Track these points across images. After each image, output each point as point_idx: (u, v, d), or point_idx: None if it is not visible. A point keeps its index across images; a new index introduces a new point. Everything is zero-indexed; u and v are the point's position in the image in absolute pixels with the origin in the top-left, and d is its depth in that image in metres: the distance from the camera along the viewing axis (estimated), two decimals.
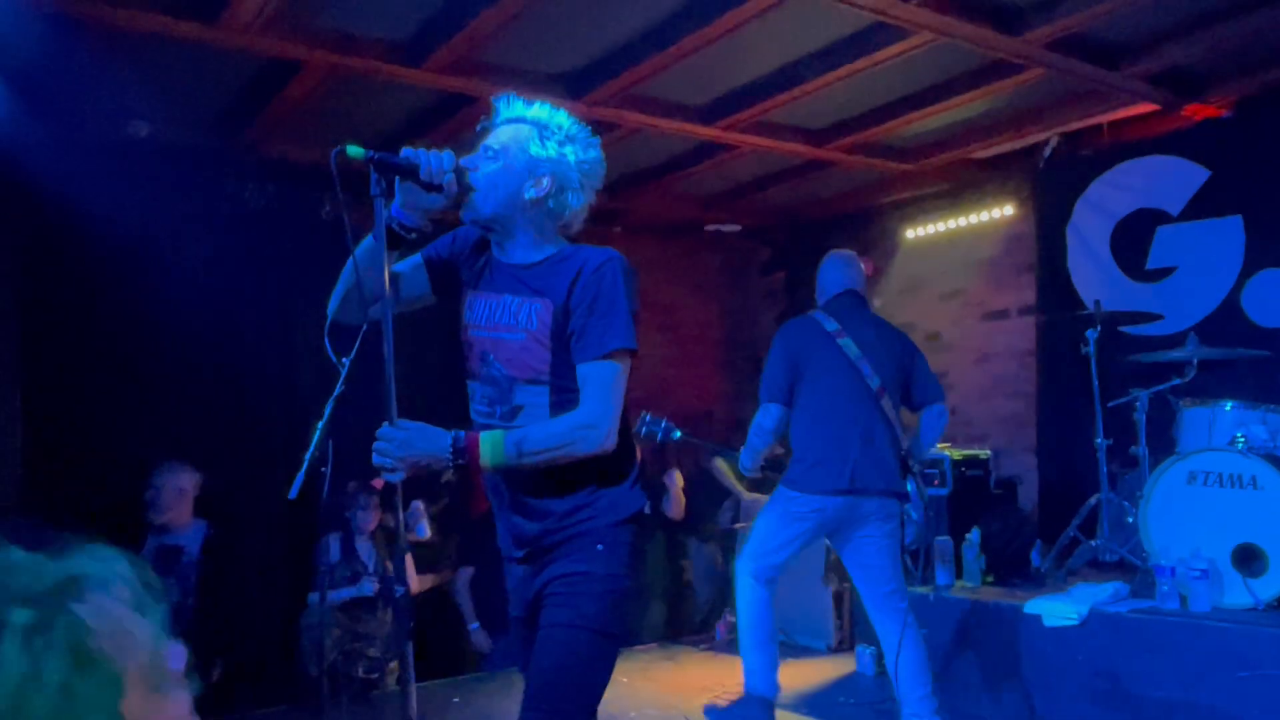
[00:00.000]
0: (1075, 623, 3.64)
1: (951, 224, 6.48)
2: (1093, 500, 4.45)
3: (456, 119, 4.82)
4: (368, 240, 2.12)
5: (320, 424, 2.48)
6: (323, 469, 2.46)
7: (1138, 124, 5.39)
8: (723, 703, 3.89)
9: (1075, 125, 5.45)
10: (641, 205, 6.56)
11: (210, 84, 4.60)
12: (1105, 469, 4.44)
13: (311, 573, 4.77)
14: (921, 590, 4.26)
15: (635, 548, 2.15)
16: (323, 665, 3.86)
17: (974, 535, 4.35)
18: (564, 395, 2.11)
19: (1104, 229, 5.57)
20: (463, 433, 2.07)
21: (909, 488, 3.73)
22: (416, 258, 2.33)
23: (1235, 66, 4.75)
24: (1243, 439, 3.76)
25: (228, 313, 5.13)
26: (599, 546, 2.09)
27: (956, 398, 6.55)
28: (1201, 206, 5.14)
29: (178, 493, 4.66)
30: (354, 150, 1.98)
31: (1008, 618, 3.88)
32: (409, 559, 5.02)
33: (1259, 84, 4.85)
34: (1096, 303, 4.65)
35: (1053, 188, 5.84)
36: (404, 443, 2.03)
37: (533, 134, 2.17)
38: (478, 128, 2.27)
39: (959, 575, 4.32)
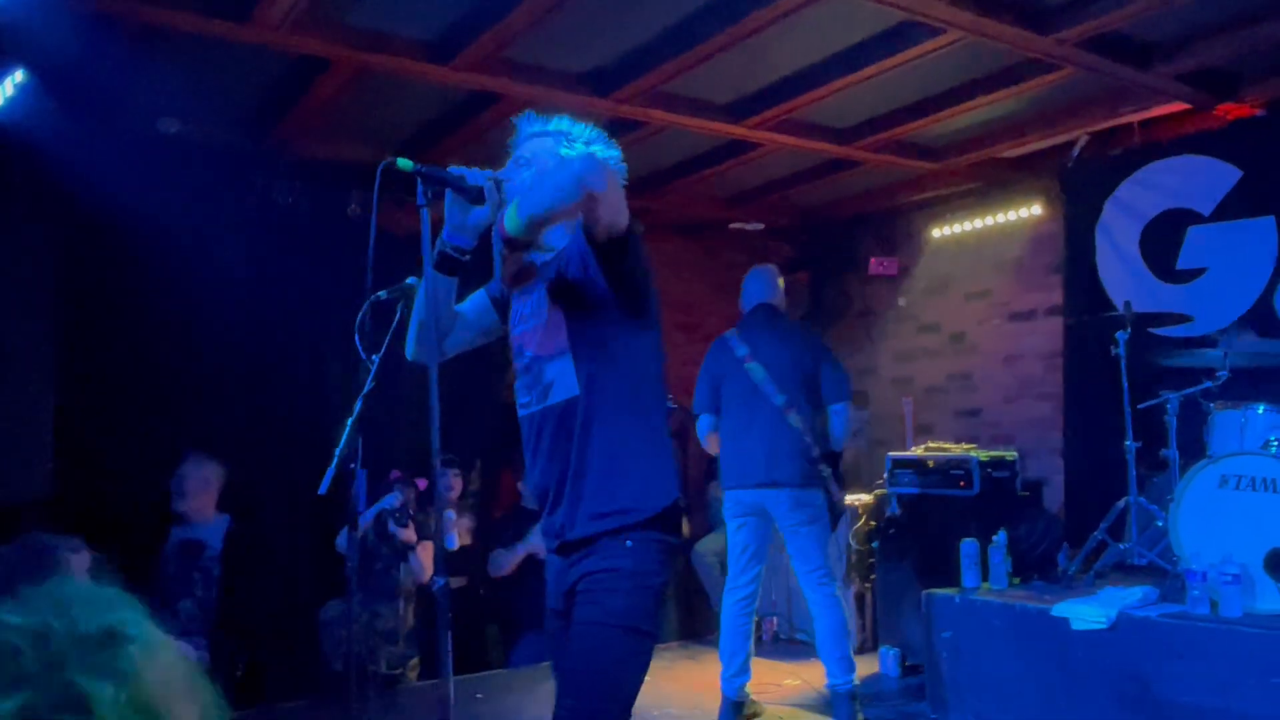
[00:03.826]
0: (1104, 626, 3.60)
1: (978, 223, 6.43)
2: (1121, 503, 4.39)
3: (483, 117, 4.83)
4: (427, 273, 2.16)
5: (350, 420, 2.50)
6: (352, 465, 2.48)
7: (1169, 123, 5.34)
8: None
9: (1105, 124, 5.40)
10: (665, 203, 6.55)
11: (240, 82, 4.63)
12: (1134, 472, 4.39)
13: (337, 564, 4.79)
14: (948, 592, 4.24)
15: (666, 545, 2.14)
16: (347, 659, 3.90)
17: (1000, 537, 4.31)
18: (586, 364, 2.14)
19: (1134, 229, 5.51)
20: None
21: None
22: (481, 295, 2.42)
23: (1269, 66, 4.68)
24: (1275, 442, 3.70)
25: (256, 309, 5.16)
26: (628, 543, 2.08)
27: (982, 399, 6.51)
28: (1233, 207, 5.08)
29: (202, 484, 4.69)
30: (403, 163, 2.05)
31: (1035, 620, 3.84)
32: (429, 550, 5.05)
33: None
34: (1127, 304, 4.60)
35: (1082, 187, 5.79)
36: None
37: (559, 142, 2.31)
38: (507, 147, 2.35)
39: (985, 577, 4.29)
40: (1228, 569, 3.46)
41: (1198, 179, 5.22)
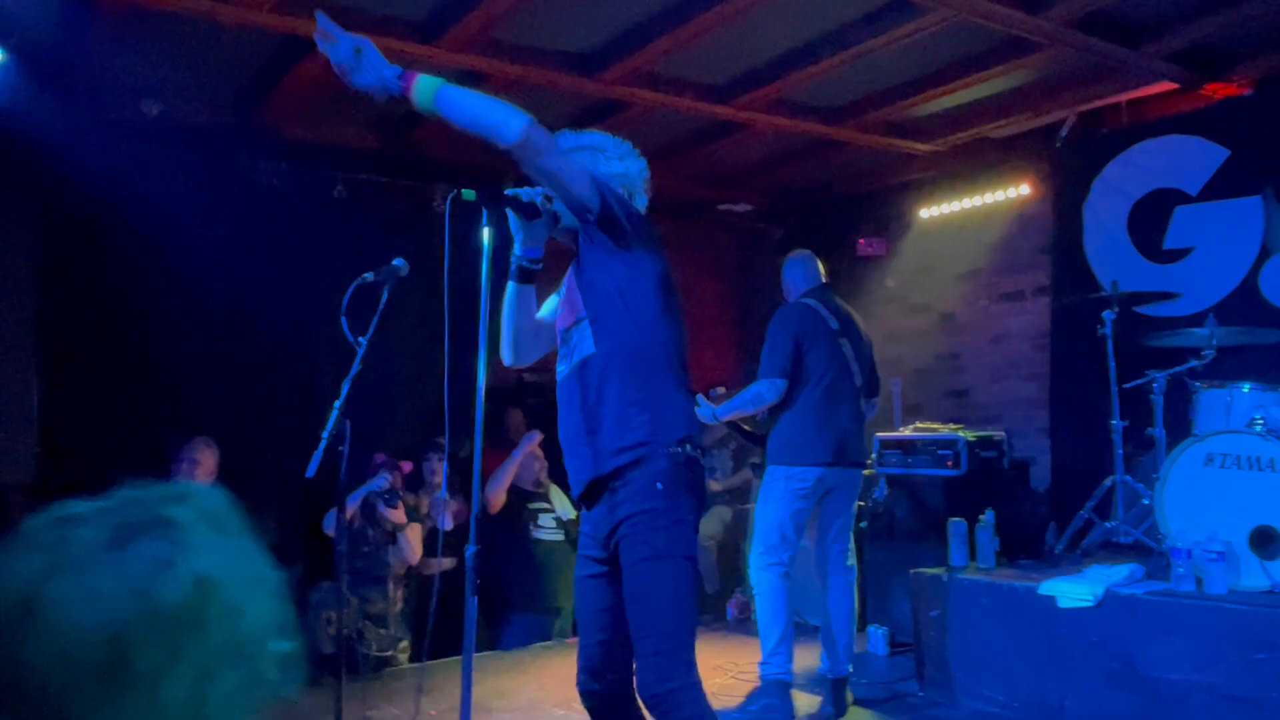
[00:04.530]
0: (1090, 604, 3.63)
1: (966, 204, 6.42)
2: (1108, 482, 4.43)
3: None
4: (511, 288, 2.53)
5: (337, 404, 2.49)
6: (340, 448, 2.48)
7: (1157, 103, 5.34)
8: (736, 701, 4.00)
9: (1094, 104, 5.39)
10: (653, 184, 6.52)
11: (223, 63, 4.58)
12: (1120, 450, 4.41)
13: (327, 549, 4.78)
14: (935, 571, 4.26)
15: (691, 483, 2.36)
16: (337, 642, 3.91)
17: (988, 516, 4.33)
18: (600, 322, 2.40)
19: (1121, 209, 5.52)
20: (405, 71, 2.27)
21: None
22: (556, 303, 2.65)
23: (1256, 44, 4.69)
24: (1261, 421, 3.72)
25: (241, 290, 5.13)
26: (658, 485, 2.30)
27: (970, 379, 6.53)
28: (1220, 186, 5.09)
29: (206, 468, 4.70)
30: (467, 193, 2.30)
31: (1022, 599, 3.87)
32: (417, 532, 5.05)
33: None
34: (1114, 283, 4.62)
35: (1070, 167, 5.79)
36: (361, 47, 2.26)
37: (596, 156, 2.58)
38: None
39: (973, 556, 4.31)
40: (1213, 546, 3.48)
41: (1185, 159, 5.22)
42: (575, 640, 5.28)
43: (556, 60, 4.54)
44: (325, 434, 2.47)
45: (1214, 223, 5.11)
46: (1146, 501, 4.14)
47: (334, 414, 2.47)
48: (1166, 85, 5.06)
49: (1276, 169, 4.87)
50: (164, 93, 4.69)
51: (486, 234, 2.31)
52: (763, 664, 3.91)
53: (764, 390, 4.04)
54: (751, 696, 3.86)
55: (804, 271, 4.34)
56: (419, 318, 5.35)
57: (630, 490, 2.32)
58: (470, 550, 2.20)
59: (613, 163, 2.60)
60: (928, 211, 6.65)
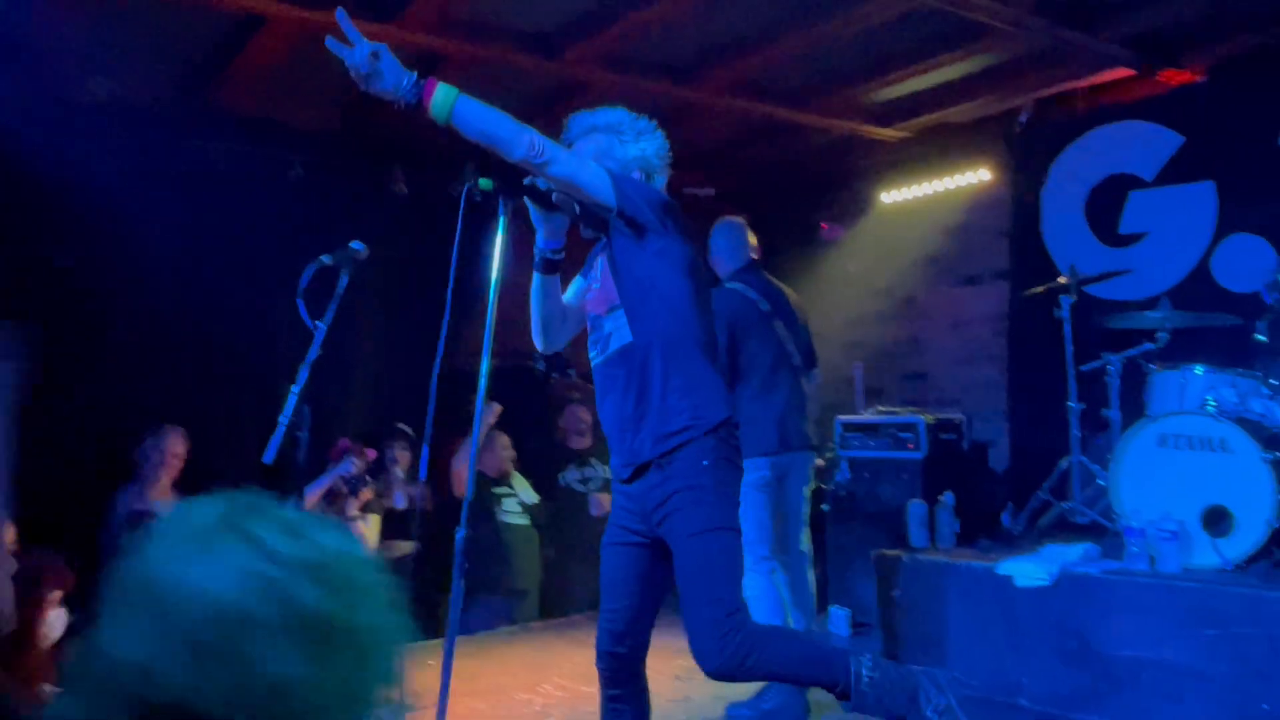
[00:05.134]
0: (1046, 583, 3.68)
1: (926, 188, 6.46)
2: (1064, 463, 4.49)
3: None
4: (536, 279, 2.60)
5: (295, 388, 2.45)
6: (298, 433, 2.44)
7: (1113, 89, 5.40)
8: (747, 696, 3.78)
9: (1051, 90, 5.44)
10: None
11: (174, 41, 4.48)
12: (1077, 432, 4.48)
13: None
14: (896, 553, 4.30)
15: (733, 458, 2.51)
16: None
17: (948, 498, 4.38)
18: (635, 312, 2.48)
19: (1078, 194, 5.58)
20: (420, 79, 2.26)
21: None
22: (580, 280, 2.73)
23: (1210, 32, 4.75)
24: (1213, 402, 3.80)
25: (196, 273, 5.02)
26: (704, 462, 2.43)
27: (930, 363, 6.59)
28: (1175, 172, 5.17)
29: (173, 458, 4.63)
30: (484, 183, 2.32)
31: (980, 579, 3.92)
32: (373, 526, 5.01)
33: (1233, 49, 4.86)
34: (1071, 268, 4.68)
35: (1028, 153, 5.84)
36: (378, 52, 2.21)
37: (612, 139, 2.60)
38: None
39: (933, 538, 4.36)
40: (1166, 526, 3.55)
41: (1141, 144, 5.29)
42: (540, 624, 5.34)
43: (516, 41, 4.49)
44: (283, 419, 2.43)
45: (1168, 208, 5.19)
46: (1102, 482, 4.20)
47: (292, 399, 2.43)
48: (1123, 72, 5.12)
49: (1228, 154, 4.95)
50: (113, 71, 4.57)
51: (501, 225, 2.34)
52: None
53: None
54: (764, 695, 3.68)
55: (731, 243, 4.07)
56: (379, 302, 5.33)
57: (677, 467, 2.43)
58: (461, 534, 2.25)
59: (628, 146, 2.61)
60: (889, 196, 6.69)
